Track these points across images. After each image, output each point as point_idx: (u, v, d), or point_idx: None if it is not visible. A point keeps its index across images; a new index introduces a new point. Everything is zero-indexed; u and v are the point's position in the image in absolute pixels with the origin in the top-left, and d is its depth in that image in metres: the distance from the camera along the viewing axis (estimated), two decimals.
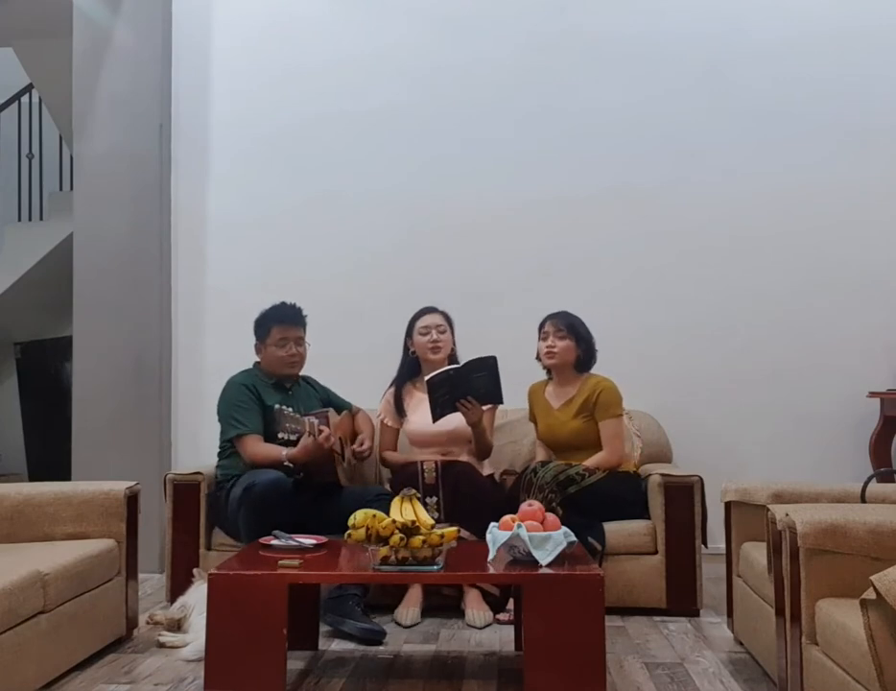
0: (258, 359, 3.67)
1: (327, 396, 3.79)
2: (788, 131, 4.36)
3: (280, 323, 3.59)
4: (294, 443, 3.37)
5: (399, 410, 3.78)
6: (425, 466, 3.51)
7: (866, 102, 4.34)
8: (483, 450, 3.71)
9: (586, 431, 3.62)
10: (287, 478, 3.31)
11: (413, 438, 3.76)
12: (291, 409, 3.31)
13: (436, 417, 3.51)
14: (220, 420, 3.58)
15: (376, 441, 3.85)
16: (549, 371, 3.78)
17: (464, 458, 3.67)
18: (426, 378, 3.50)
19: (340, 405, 3.79)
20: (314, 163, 4.49)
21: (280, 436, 3.34)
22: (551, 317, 3.72)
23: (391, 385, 3.85)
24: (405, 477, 3.46)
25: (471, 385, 3.50)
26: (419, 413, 3.72)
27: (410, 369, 3.83)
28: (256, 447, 3.43)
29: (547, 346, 3.69)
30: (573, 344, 3.67)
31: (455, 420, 3.63)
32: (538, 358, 3.76)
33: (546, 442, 3.77)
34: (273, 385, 3.61)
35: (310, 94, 4.51)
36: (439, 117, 4.47)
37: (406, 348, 3.84)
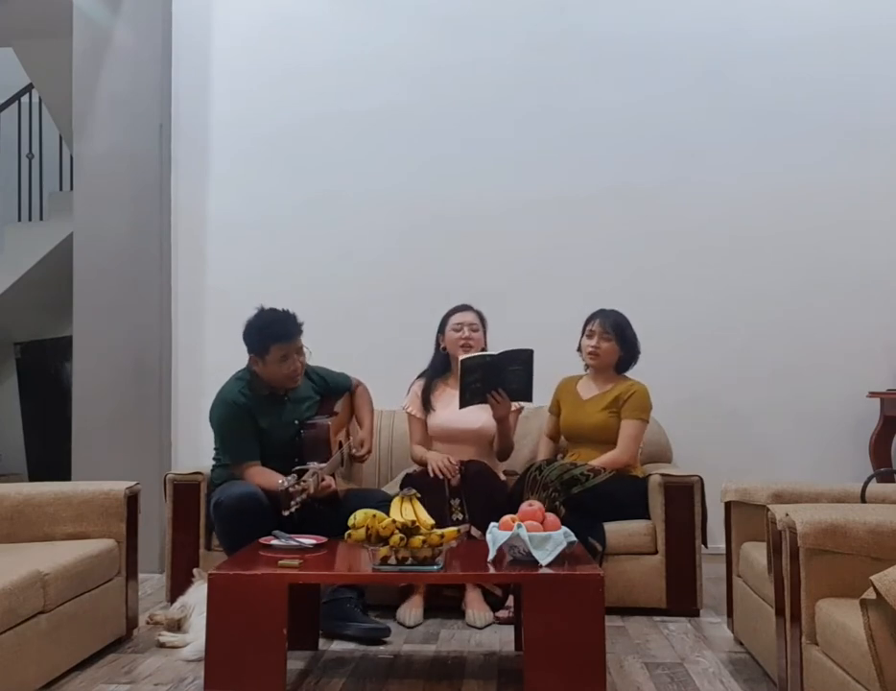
0: (254, 368, 3.40)
1: (324, 382, 3.62)
2: (788, 131, 4.37)
3: (279, 341, 3.31)
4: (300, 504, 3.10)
5: (426, 404, 3.75)
6: None
7: (866, 102, 4.34)
8: (505, 449, 3.71)
9: (609, 426, 3.61)
10: (256, 491, 3.15)
11: (438, 432, 3.72)
12: (293, 478, 2.99)
13: (463, 404, 3.50)
14: (213, 432, 3.44)
15: (382, 443, 3.83)
16: (587, 367, 3.78)
17: (484, 460, 3.65)
18: (461, 358, 3.48)
19: (338, 385, 3.66)
20: (314, 163, 4.49)
21: (285, 514, 2.98)
22: (599, 315, 3.71)
23: (420, 377, 3.82)
24: (428, 480, 3.42)
25: (504, 377, 3.50)
26: (445, 407, 3.71)
27: (440, 365, 3.81)
28: (254, 476, 3.26)
29: (591, 346, 3.68)
30: (616, 346, 3.67)
31: (482, 419, 3.64)
32: (579, 349, 3.76)
33: (566, 431, 3.77)
34: (268, 396, 3.41)
35: (310, 94, 4.51)
36: (439, 117, 4.48)
37: (437, 344, 3.81)
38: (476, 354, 3.55)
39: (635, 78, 4.42)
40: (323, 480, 3.14)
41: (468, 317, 3.75)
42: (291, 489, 2.94)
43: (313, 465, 3.11)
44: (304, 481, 3.00)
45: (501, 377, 3.50)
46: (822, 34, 4.37)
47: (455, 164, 4.45)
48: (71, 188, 5.46)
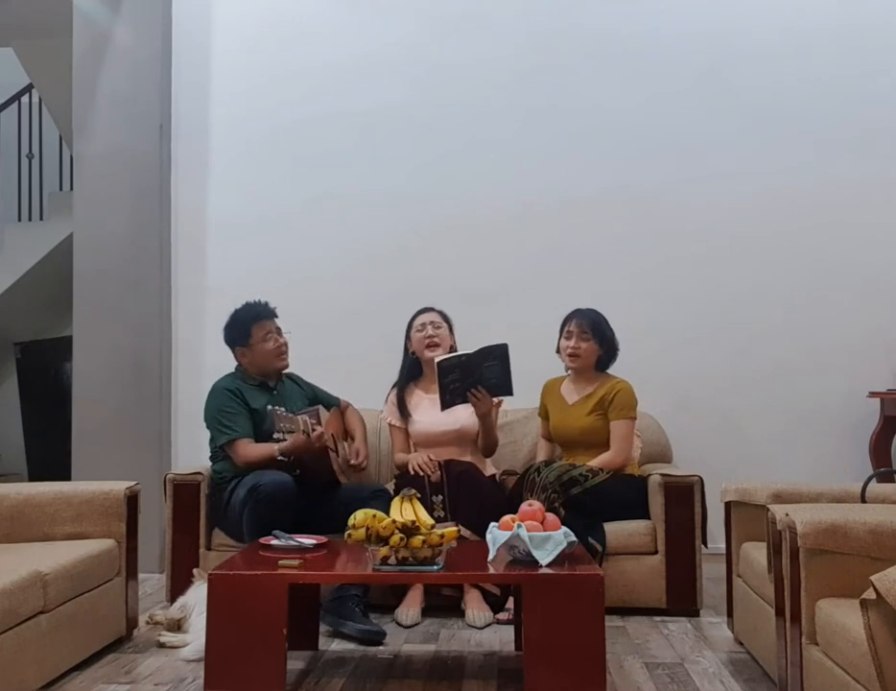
0: (242, 362, 3.63)
1: (313, 393, 3.77)
2: (788, 130, 4.36)
3: (258, 320, 3.58)
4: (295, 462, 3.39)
5: (403, 411, 3.78)
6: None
7: (866, 102, 4.34)
8: (490, 445, 3.73)
9: (597, 429, 3.61)
10: (291, 479, 3.29)
11: (419, 438, 3.75)
12: (283, 409, 3.30)
13: (445, 405, 3.51)
14: (208, 427, 3.57)
15: (383, 444, 3.91)
16: (568, 368, 3.78)
17: (468, 458, 3.67)
18: (437, 360, 3.49)
19: (326, 401, 3.78)
20: (314, 163, 4.49)
21: (275, 436, 3.32)
22: (576, 315, 3.70)
23: (393, 387, 3.85)
24: (411, 476, 3.48)
25: (482, 374, 3.51)
26: (422, 412, 3.74)
27: (410, 370, 3.84)
28: (248, 450, 3.43)
29: (571, 347, 3.67)
30: (595, 345, 3.67)
31: (461, 418, 3.65)
32: (558, 351, 3.76)
33: (556, 437, 3.77)
34: (258, 386, 3.60)
35: (310, 94, 4.51)
36: (439, 117, 4.47)
37: (406, 350, 3.85)
38: (451, 355, 3.56)
39: (636, 78, 4.42)
40: (314, 430, 3.30)
41: (430, 316, 3.79)
42: (279, 413, 3.23)
43: (304, 418, 3.31)
44: (294, 417, 3.26)
45: (478, 374, 3.51)
46: (822, 33, 4.37)
47: (455, 164, 4.45)
48: (71, 188, 5.46)
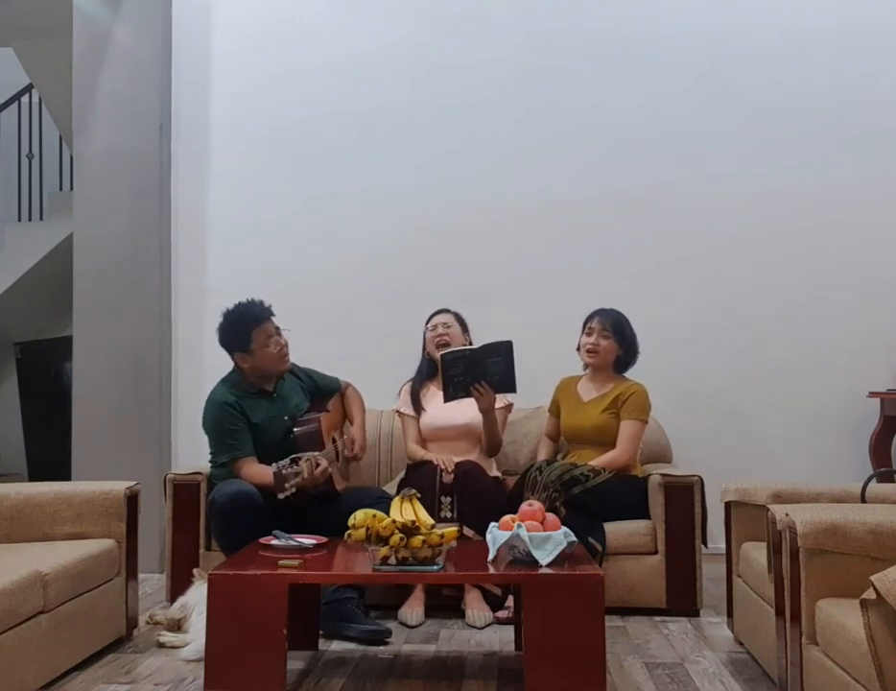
0: (242, 367, 3.44)
1: (313, 382, 3.65)
2: (788, 130, 4.36)
3: (257, 323, 3.38)
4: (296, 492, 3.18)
5: (416, 405, 3.81)
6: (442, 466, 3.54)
7: (866, 102, 4.34)
8: (493, 444, 3.74)
9: (609, 428, 3.62)
10: (251, 489, 3.17)
11: (428, 432, 3.77)
12: (286, 462, 3.07)
13: (447, 398, 3.55)
14: (208, 438, 3.45)
15: (383, 444, 3.90)
16: (586, 366, 3.79)
17: (475, 456, 3.69)
18: (440, 353, 3.54)
19: (327, 386, 3.69)
20: (314, 163, 4.49)
21: (281, 496, 3.07)
22: (599, 313, 3.72)
23: (409, 382, 3.89)
24: (421, 475, 3.48)
25: (486, 369, 3.53)
26: (433, 407, 3.77)
27: (425, 368, 3.88)
28: (251, 471, 3.29)
29: (591, 344, 3.69)
30: (615, 344, 3.68)
31: (468, 414, 3.67)
32: (578, 349, 3.76)
33: (566, 433, 3.77)
34: (257, 393, 3.44)
35: (310, 94, 4.51)
36: (440, 117, 4.47)
37: (423, 349, 3.89)
38: (455, 348, 3.60)
39: (636, 78, 4.42)
40: (318, 466, 3.19)
41: (443, 317, 3.84)
42: (284, 472, 3.01)
43: (307, 454, 3.17)
44: (298, 464, 3.07)
45: (482, 369, 3.53)
46: (822, 33, 4.37)
47: (455, 165, 4.45)
48: (71, 188, 5.46)
